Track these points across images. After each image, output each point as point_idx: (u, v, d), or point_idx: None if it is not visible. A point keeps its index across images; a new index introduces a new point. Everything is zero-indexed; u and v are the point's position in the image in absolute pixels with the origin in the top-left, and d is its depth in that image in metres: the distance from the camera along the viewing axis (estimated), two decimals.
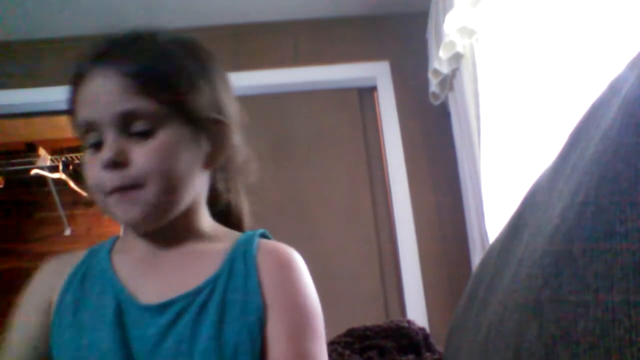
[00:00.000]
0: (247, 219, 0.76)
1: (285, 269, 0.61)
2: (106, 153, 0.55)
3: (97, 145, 0.58)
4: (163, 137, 0.57)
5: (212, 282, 0.58)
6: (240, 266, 0.60)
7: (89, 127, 0.58)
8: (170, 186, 0.58)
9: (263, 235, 0.67)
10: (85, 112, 0.57)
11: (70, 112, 0.61)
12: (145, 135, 0.57)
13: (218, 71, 0.66)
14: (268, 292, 0.58)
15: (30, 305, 0.62)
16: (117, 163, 0.55)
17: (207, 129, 0.62)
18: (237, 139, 0.67)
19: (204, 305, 0.56)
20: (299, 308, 0.59)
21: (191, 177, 0.61)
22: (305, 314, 0.59)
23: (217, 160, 0.65)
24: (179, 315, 0.55)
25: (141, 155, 0.56)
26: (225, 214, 0.72)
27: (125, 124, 0.56)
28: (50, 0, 1.94)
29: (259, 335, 0.56)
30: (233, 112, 0.66)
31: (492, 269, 0.54)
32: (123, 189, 0.56)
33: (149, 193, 0.56)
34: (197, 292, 0.57)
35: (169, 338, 0.54)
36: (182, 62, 0.61)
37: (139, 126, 0.56)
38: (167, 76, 0.59)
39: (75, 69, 0.60)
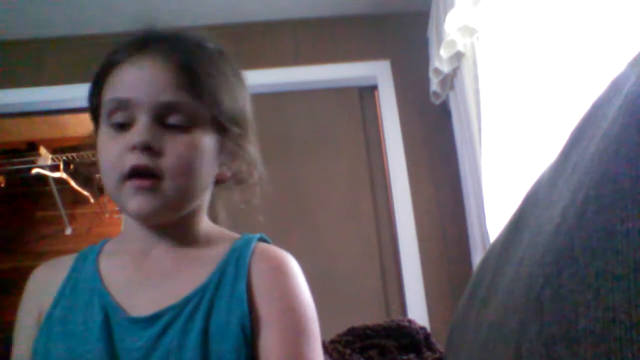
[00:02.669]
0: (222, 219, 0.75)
1: (278, 273, 0.60)
2: (141, 135, 0.55)
3: (122, 126, 0.57)
4: (197, 135, 0.58)
5: (201, 291, 0.57)
6: (231, 272, 0.59)
7: (121, 106, 0.57)
8: (190, 185, 0.58)
9: (262, 240, 0.66)
10: (123, 91, 0.57)
11: (96, 89, 0.60)
12: (181, 130, 0.57)
13: (245, 84, 0.67)
14: (259, 297, 0.57)
15: (24, 316, 0.62)
16: (151, 148, 0.55)
17: (230, 138, 0.63)
18: (254, 152, 0.68)
19: (191, 315, 0.55)
20: (292, 312, 0.57)
21: (207, 181, 0.62)
22: (299, 318, 0.57)
23: (228, 165, 0.65)
24: (167, 327, 0.54)
25: (175, 148, 0.56)
26: None
27: (163, 114, 0.56)
28: None
29: (243, 343, 0.54)
30: (252, 124, 0.67)
31: (493, 268, 0.54)
32: (144, 175, 0.55)
33: (168, 187, 0.56)
34: (186, 302, 0.56)
35: (157, 350, 0.53)
36: (223, 68, 0.62)
37: (176, 119, 0.57)
38: (212, 78, 0.59)
39: (117, 51, 0.60)
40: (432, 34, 1.88)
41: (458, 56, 1.68)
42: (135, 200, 0.55)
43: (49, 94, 2.03)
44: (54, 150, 3.10)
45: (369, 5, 2.14)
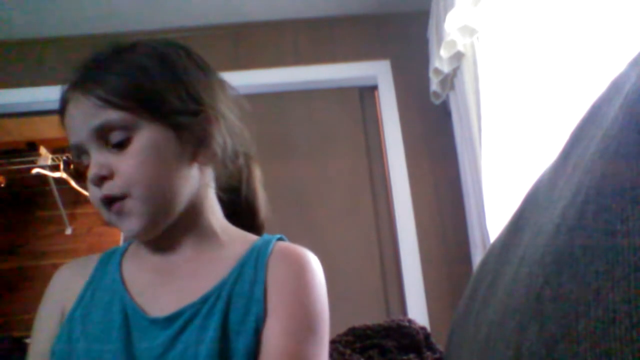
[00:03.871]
0: (261, 214, 0.74)
1: (294, 267, 0.60)
2: (90, 170, 0.57)
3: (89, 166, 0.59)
4: (138, 142, 0.57)
5: (219, 288, 0.58)
6: (249, 271, 0.60)
7: (79, 151, 0.60)
8: (157, 188, 0.58)
9: (280, 241, 0.66)
10: (71, 139, 0.60)
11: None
12: (123, 144, 0.57)
13: (194, 66, 0.65)
14: (273, 293, 0.58)
15: (46, 314, 0.63)
16: (102, 177, 0.57)
17: (186, 124, 0.60)
18: (228, 129, 0.65)
19: (210, 311, 0.56)
20: (301, 307, 0.57)
21: (178, 175, 0.60)
22: (308, 315, 0.57)
23: (202, 152, 0.63)
24: (186, 325, 0.55)
25: (121, 165, 0.57)
26: (237, 211, 0.71)
27: (103, 138, 0.57)
28: None
29: (255, 345, 0.54)
30: (218, 103, 0.64)
31: (493, 268, 0.54)
32: (112, 200, 0.57)
33: (137, 200, 0.57)
34: (204, 299, 0.57)
35: (175, 347, 0.54)
36: (144, 67, 0.60)
37: (115, 137, 0.57)
38: (129, 84, 0.58)
39: (62, 95, 0.62)
40: (432, 34, 1.88)
41: (458, 56, 1.68)
42: (122, 224, 0.58)
43: (49, 94, 2.03)
44: (54, 150, 3.10)
45: (368, 5, 2.14)
